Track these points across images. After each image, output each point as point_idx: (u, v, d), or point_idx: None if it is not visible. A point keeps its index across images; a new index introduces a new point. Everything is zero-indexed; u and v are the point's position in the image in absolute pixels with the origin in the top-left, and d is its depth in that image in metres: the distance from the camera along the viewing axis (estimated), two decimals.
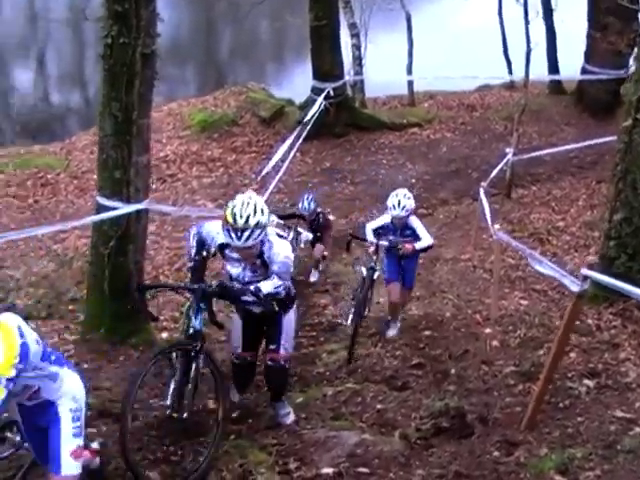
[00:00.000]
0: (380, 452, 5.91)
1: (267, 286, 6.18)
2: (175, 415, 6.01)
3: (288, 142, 13.97)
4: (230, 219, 5.89)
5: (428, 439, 6.09)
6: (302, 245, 11.80)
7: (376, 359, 8.45)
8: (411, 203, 9.20)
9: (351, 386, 7.61)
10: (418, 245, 9.12)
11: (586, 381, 6.52)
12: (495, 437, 5.77)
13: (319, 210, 12.27)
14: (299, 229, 11.75)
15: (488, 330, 8.74)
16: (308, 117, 15.30)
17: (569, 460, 5.02)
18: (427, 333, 8.99)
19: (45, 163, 17.65)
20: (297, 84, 21.13)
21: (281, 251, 6.24)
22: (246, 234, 5.90)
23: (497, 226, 9.24)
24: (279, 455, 6.09)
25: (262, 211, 5.96)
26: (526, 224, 13.32)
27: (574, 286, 5.05)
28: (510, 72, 22.60)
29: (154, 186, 16.60)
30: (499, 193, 14.83)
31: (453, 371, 7.64)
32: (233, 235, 5.92)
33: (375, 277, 9.45)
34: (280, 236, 6.51)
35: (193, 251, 6.58)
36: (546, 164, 16.42)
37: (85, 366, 8.04)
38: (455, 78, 19.90)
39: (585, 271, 4.93)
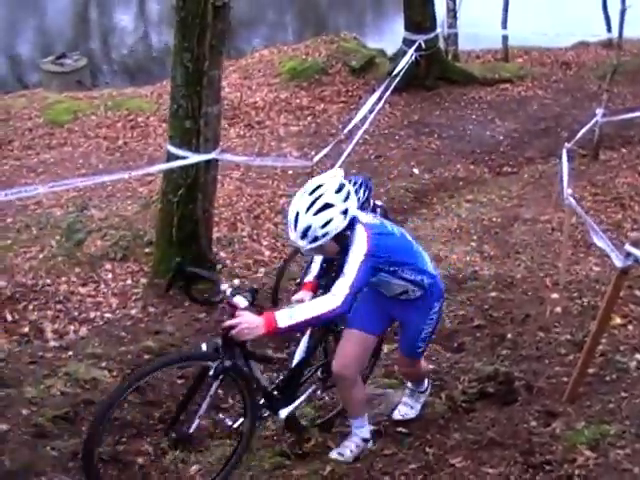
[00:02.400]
0: (422, 413, 5.97)
1: None
2: None
3: (377, 94, 13.86)
4: None
5: (472, 403, 6.12)
6: None
7: None
8: (322, 222, 4.58)
9: None
10: (282, 319, 4.43)
11: (637, 355, 6.41)
12: (536, 406, 5.73)
13: (378, 203, 7.99)
14: None
15: (554, 295, 8.61)
16: (398, 69, 15.09)
17: (601, 436, 4.97)
18: (494, 294, 8.87)
19: (136, 106, 17.93)
20: (398, 34, 20.84)
21: None
22: None
23: (569, 190, 9.04)
24: (324, 409, 6.19)
25: None
26: (610, 188, 13.02)
27: (618, 262, 4.97)
28: (609, 30, 21.80)
29: (242, 132, 16.81)
30: (587, 154, 14.55)
31: (510, 335, 7.58)
32: None
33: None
34: None
35: None
36: (638, 127, 15.97)
37: (151, 310, 8.31)
38: (551, 34, 19.43)
39: (628, 248, 4.83)
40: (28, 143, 16.69)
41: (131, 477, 5.36)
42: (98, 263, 9.82)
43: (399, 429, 5.75)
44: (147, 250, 10.21)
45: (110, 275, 9.57)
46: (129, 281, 9.40)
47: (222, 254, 10.27)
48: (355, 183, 7.09)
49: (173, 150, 8.26)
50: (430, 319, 5.30)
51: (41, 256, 10.18)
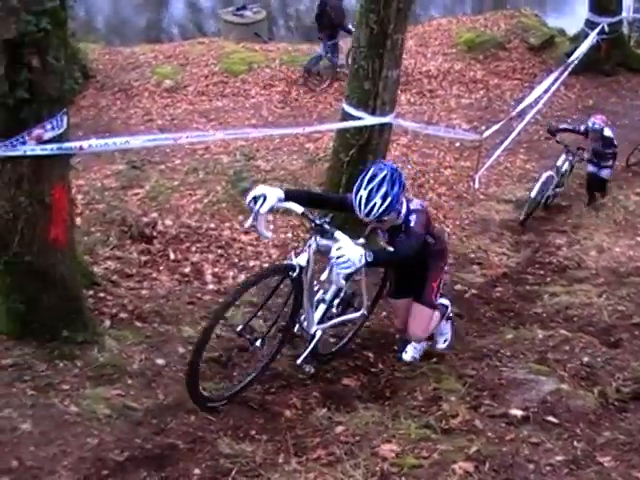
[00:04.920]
0: (572, 405, 5.82)
1: None
2: None
3: (554, 75, 13.50)
4: None
5: (626, 402, 5.93)
6: None
7: (596, 310, 8.20)
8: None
9: (563, 333, 7.46)
10: None
11: None
12: None
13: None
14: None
15: None
16: (578, 52, 14.65)
17: None
18: None
19: None
20: (579, 15, 20.24)
21: None
22: None
23: None
24: (473, 387, 6.11)
25: None
26: None
27: None
28: None
29: (412, 99, 16.71)
30: None
31: None
32: None
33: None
34: None
35: None
36: None
37: None
38: None
39: None
40: (202, 89, 17.13)
41: (277, 428, 5.44)
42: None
43: (548, 417, 5.64)
44: None
45: (271, 226, 9.72)
46: (289, 234, 9.51)
47: None
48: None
49: (349, 110, 8.29)
50: None
51: (206, 200, 10.40)
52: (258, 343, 5.76)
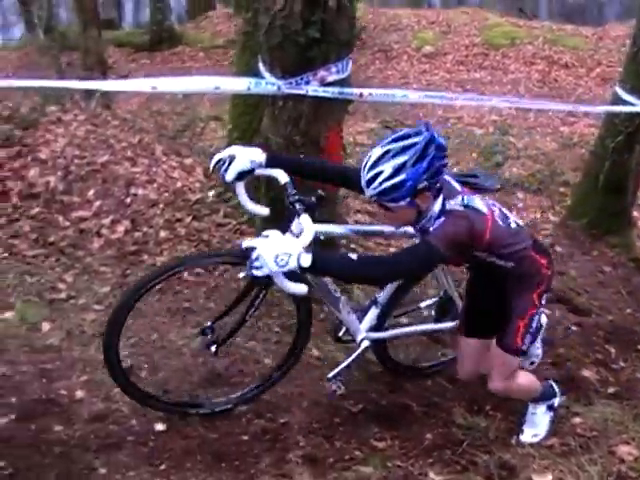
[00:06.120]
0: None
1: None
2: None
3: None
4: None
5: None
6: None
7: None
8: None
9: None
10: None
11: None
12: None
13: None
14: None
15: None
16: None
17: None
18: None
19: (574, 44, 17.62)
20: None
21: None
22: None
23: None
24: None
25: None
26: None
27: None
28: None
29: None
30: None
31: None
32: None
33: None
34: None
35: None
36: None
37: (558, 249, 8.12)
38: None
39: None
40: (461, 59, 17.06)
41: (512, 408, 5.31)
42: (511, 190, 9.83)
43: None
44: (561, 189, 10.00)
45: (521, 204, 9.52)
46: (537, 215, 9.28)
47: (635, 213, 9.78)
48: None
49: (621, 94, 7.87)
50: None
51: (455, 169, 10.31)
52: (212, 349, 4.69)
